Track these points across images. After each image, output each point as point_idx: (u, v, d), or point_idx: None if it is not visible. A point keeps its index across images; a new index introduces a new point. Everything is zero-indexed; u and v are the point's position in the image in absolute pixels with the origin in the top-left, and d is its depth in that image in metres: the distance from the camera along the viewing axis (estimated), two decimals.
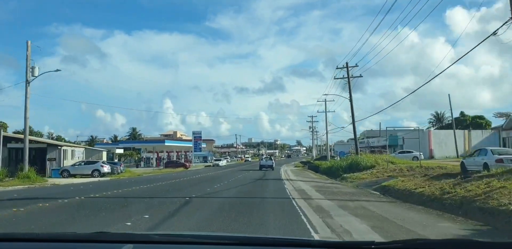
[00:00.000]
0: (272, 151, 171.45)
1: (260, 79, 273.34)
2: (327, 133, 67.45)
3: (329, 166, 40.35)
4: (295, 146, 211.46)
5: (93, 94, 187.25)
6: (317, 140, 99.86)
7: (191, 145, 71.92)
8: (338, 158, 50.41)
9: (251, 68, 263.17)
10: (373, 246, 1.71)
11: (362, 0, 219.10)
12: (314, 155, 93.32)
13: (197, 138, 71.83)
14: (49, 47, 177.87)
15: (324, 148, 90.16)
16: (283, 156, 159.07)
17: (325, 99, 57.26)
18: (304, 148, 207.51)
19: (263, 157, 55.09)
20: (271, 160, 49.65)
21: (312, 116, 79.12)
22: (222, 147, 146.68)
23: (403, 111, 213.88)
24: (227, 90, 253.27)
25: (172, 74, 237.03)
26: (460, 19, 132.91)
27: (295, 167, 62.18)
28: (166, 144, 66.76)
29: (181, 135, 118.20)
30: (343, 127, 71.31)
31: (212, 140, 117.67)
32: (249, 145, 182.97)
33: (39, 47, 51.29)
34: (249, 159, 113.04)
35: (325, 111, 61.52)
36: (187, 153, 78.98)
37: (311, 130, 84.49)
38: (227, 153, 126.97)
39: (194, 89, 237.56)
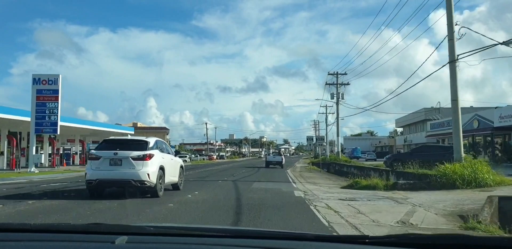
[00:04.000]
0: (256, 149, 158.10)
1: (246, 79, 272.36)
2: (338, 125, 46.84)
3: None
4: (282, 144, 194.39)
5: (74, 92, 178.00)
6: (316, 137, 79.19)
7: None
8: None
9: (237, 68, 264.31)
10: (367, 240, 1.72)
11: (349, 3, 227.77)
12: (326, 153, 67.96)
13: None
14: (31, 43, 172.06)
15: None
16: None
17: (326, 105, 58.33)
18: (293, 147, 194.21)
19: (271, 152, 51.78)
20: (280, 155, 41.92)
21: (326, 105, 61.99)
22: (195, 144, 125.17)
23: (385, 113, 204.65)
24: (211, 89, 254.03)
25: (157, 73, 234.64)
26: (444, 21, 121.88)
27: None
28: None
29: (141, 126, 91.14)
30: (343, 118, 53.96)
31: (165, 129, 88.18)
32: (230, 142, 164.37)
33: None
34: (224, 158, 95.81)
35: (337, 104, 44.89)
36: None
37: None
38: (203, 151, 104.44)
39: (177, 88, 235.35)
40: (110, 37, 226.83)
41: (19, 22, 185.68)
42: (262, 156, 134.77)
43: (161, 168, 11.44)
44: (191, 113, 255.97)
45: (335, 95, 44.39)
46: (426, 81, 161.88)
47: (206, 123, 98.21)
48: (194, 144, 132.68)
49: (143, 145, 11.39)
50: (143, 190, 11.02)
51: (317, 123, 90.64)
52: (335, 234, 5.86)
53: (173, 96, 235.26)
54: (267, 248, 1.67)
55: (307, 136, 36.52)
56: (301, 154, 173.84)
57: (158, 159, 11.41)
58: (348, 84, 44.39)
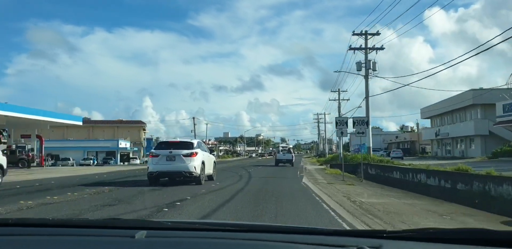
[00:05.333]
0: (252, 148, 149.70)
1: (241, 78, 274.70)
2: None
3: None
4: (279, 143, 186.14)
5: (70, 91, 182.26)
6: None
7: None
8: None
9: (232, 67, 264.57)
10: (384, 235, 1.69)
11: (344, 1, 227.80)
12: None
13: None
14: (24, 43, 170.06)
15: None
16: (268, 154, 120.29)
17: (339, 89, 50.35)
18: (291, 146, 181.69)
19: (280, 150, 42.49)
20: (290, 153, 38.06)
21: (339, 90, 52.52)
22: None
23: (380, 111, 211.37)
24: (207, 88, 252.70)
25: (153, 72, 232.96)
26: (439, 19, 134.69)
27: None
28: None
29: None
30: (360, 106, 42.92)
31: (140, 123, 73.21)
32: (225, 141, 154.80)
33: None
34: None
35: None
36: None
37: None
38: None
39: (172, 87, 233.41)
40: (106, 37, 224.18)
41: (14, 22, 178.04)
42: (254, 155, 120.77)
43: (203, 163, 15.12)
44: (187, 113, 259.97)
45: (362, 65, 30.40)
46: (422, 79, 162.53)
47: (193, 118, 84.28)
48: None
49: (190, 145, 15.10)
50: (190, 179, 14.49)
51: (322, 116, 77.15)
52: (352, 229, 6.08)
53: (168, 95, 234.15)
54: (284, 242, 1.66)
55: (336, 118, 21.37)
56: (300, 152, 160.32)
57: (200, 155, 15.00)
58: (382, 48, 31.02)
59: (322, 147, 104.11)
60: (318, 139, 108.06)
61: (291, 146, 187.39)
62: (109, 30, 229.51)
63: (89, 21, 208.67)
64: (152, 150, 15.97)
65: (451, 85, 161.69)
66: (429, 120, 62.49)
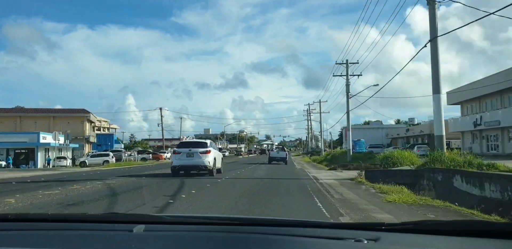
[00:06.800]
0: (234, 146, 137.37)
1: (226, 76, 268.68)
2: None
3: None
4: (264, 140, 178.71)
5: (51, 89, 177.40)
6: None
7: None
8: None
9: (217, 65, 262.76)
10: (383, 227, 1.71)
11: (329, 0, 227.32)
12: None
13: None
14: (4, 40, 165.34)
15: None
16: (252, 152, 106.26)
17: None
18: (276, 143, 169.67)
19: (274, 148, 47.18)
20: (284, 151, 39.46)
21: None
22: (170, 139, 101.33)
23: (364, 108, 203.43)
24: (190, 86, 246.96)
25: (136, 70, 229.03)
26: (420, 17, 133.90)
27: None
28: None
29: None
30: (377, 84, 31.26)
31: (83, 112, 54.73)
32: (205, 138, 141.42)
33: None
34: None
35: None
36: None
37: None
38: (169, 148, 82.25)
39: (155, 85, 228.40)
40: (88, 34, 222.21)
41: None
42: (227, 153, 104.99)
43: (214, 159, 18.49)
44: (170, 111, 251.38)
45: None
46: (403, 77, 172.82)
47: (160, 109, 69.89)
48: (159, 140, 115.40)
49: (204, 145, 18.62)
50: (204, 172, 18.06)
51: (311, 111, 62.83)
52: (350, 221, 6.04)
53: (152, 93, 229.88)
54: (282, 235, 1.65)
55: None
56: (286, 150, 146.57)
57: (213, 153, 18.43)
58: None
59: (314, 143, 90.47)
60: (308, 134, 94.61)
61: (276, 143, 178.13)
62: (92, 27, 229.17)
63: (72, 19, 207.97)
64: (175, 148, 19.70)
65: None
66: (458, 106, 48.24)
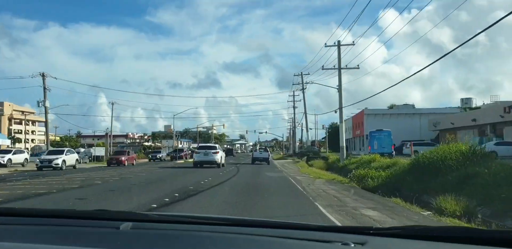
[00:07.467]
0: (200, 145, 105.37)
1: (201, 76, 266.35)
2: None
3: None
4: (238, 140, 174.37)
5: (19, 88, 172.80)
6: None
7: None
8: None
9: (192, 64, 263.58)
10: (371, 231, 1.70)
11: (304, 1, 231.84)
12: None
13: None
14: None
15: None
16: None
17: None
18: (251, 143, 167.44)
19: (257, 148, 50.01)
20: (267, 151, 41.93)
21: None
22: (116, 136, 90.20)
23: (335, 108, 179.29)
24: (162, 86, 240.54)
25: (108, 68, 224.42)
26: (391, 20, 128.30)
27: None
28: None
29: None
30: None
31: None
32: (164, 136, 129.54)
33: None
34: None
35: None
36: None
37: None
38: (119, 145, 78.63)
39: (125, 84, 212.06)
40: (60, 32, 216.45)
41: None
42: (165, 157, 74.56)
43: (221, 156, 30.15)
44: (142, 110, 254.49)
45: None
46: (374, 78, 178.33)
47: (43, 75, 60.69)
48: (99, 136, 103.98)
49: (215, 147, 31.12)
50: (215, 165, 28.85)
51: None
52: (338, 224, 6.56)
53: (124, 92, 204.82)
54: (270, 236, 1.65)
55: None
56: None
57: (220, 152, 30.21)
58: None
59: (306, 139, 65.19)
60: (291, 131, 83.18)
61: (251, 143, 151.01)
62: (64, 25, 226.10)
63: (43, 16, 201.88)
64: (196, 150, 34.20)
65: (404, 83, 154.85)
66: None
